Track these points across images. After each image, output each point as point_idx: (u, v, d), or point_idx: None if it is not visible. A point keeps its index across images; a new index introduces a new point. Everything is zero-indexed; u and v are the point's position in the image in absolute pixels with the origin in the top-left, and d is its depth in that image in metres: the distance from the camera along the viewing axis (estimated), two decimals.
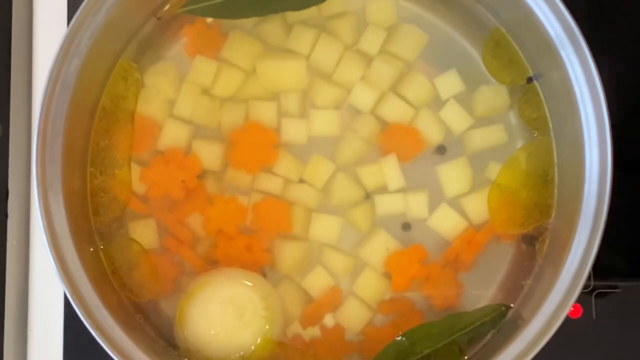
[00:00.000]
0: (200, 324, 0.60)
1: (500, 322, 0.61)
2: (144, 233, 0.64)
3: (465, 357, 0.61)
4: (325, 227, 0.64)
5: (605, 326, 0.69)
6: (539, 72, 0.64)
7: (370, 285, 0.64)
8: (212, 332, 0.59)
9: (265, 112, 0.65)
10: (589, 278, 0.57)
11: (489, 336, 0.61)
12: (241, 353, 0.60)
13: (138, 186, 0.64)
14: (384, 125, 0.65)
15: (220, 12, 0.63)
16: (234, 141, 0.64)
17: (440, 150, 0.66)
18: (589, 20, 0.59)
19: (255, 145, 0.64)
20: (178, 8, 0.64)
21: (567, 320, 0.56)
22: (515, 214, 0.64)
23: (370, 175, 0.64)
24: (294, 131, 0.65)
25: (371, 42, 0.66)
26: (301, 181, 0.65)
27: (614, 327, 0.69)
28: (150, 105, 0.65)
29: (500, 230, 0.64)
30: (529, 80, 0.64)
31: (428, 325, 0.62)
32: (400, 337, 0.61)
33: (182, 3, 0.63)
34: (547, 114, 0.64)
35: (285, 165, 0.64)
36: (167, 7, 0.65)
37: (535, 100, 0.64)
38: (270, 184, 0.64)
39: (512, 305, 0.62)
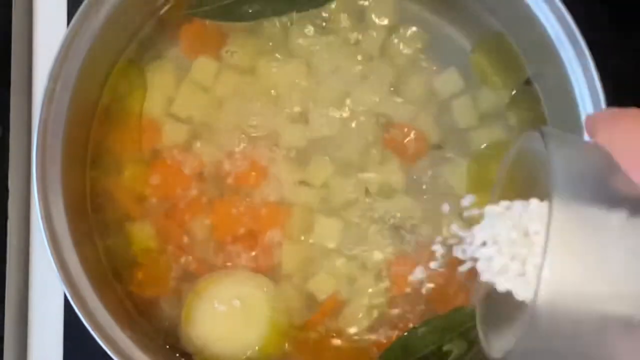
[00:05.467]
0: (206, 322, 0.60)
1: None
2: (145, 233, 0.64)
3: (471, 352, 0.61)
4: (327, 229, 0.64)
5: None
6: (539, 73, 0.64)
7: (373, 287, 0.64)
8: (218, 331, 0.60)
9: (263, 118, 0.65)
10: None
11: None
12: (247, 353, 0.60)
13: (138, 186, 0.64)
14: (384, 126, 0.65)
15: (222, 15, 0.63)
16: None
17: (441, 150, 0.66)
18: (588, 21, 0.59)
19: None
20: (179, 10, 0.64)
21: None
22: None
23: (371, 176, 0.64)
24: (293, 135, 0.65)
25: (371, 42, 0.66)
26: (302, 183, 0.64)
27: None
28: (150, 105, 0.65)
29: None
30: (527, 82, 0.64)
31: (434, 321, 0.62)
32: (406, 334, 0.61)
33: (183, 5, 0.63)
34: (546, 114, 0.64)
35: (285, 168, 0.64)
36: (167, 7, 0.65)
37: (533, 101, 0.64)
38: (271, 186, 0.64)
39: None
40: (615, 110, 0.39)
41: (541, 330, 0.34)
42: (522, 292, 0.37)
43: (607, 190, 0.35)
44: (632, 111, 0.37)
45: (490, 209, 0.41)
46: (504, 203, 0.40)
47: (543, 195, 0.37)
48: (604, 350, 0.36)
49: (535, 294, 0.33)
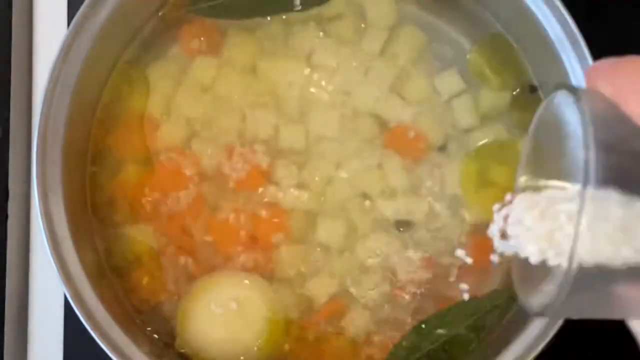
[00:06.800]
0: (203, 325, 0.60)
1: (513, 305, 0.61)
2: (145, 235, 0.64)
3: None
4: (326, 231, 0.64)
5: (605, 326, 0.68)
6: (539, 74, 0.64)
7: (374, 288, 0.64)
8: (214, 333, 0.60)
9: (263, 118, 0.65)
10: None
11: (503, 322, 0.61)
12: (244, 354, 0.60)
13: (138, 187, 0.64)
14: (385, 126, 0.65)
15: (222, 13, 0.63)
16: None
17: (441, 150, 0.66)
18: (589, 21, 0.59)
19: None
20: (179, 8, 0.64)
21: (567, 321, 0.56)
22: None
23: (371, 177, 0.64)
24: (293, 135, 0.64)
25: (372, 42, 0.66)
26: (301, 184, 0.64)
27: (613, 327, 0.69)
28: (150, 105, 0.65)
29: None
30: (532, 89, 0.64)
31: (440, 314, 0.62)
32: (411, 332, 0.61)
33: (184, 3, 0.63)
34: None
35: (284, 170, 0.64)
36: (167, 7, 0.65)
37: (534, 101, 0.64)
38: (270, 187, 0.64)
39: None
40: (616, 59, 0.36)
41: (574, 287, 0.35)
42: (555, 260, 0.38)
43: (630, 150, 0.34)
44: (632, 57, 0.35)
45: (519, 202, 0.41)
46: (531, 196, 0.40)
47: (570, 165, 0.37)
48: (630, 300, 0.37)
49: (570, 261, 0.34)
